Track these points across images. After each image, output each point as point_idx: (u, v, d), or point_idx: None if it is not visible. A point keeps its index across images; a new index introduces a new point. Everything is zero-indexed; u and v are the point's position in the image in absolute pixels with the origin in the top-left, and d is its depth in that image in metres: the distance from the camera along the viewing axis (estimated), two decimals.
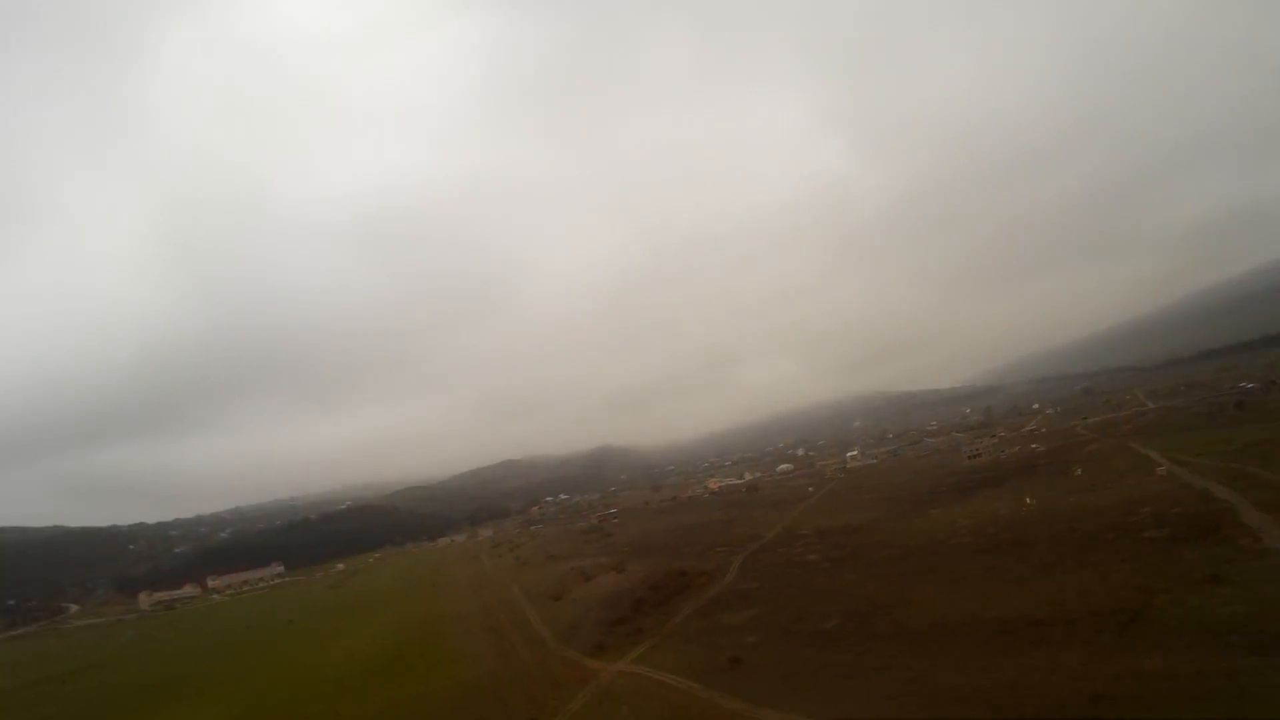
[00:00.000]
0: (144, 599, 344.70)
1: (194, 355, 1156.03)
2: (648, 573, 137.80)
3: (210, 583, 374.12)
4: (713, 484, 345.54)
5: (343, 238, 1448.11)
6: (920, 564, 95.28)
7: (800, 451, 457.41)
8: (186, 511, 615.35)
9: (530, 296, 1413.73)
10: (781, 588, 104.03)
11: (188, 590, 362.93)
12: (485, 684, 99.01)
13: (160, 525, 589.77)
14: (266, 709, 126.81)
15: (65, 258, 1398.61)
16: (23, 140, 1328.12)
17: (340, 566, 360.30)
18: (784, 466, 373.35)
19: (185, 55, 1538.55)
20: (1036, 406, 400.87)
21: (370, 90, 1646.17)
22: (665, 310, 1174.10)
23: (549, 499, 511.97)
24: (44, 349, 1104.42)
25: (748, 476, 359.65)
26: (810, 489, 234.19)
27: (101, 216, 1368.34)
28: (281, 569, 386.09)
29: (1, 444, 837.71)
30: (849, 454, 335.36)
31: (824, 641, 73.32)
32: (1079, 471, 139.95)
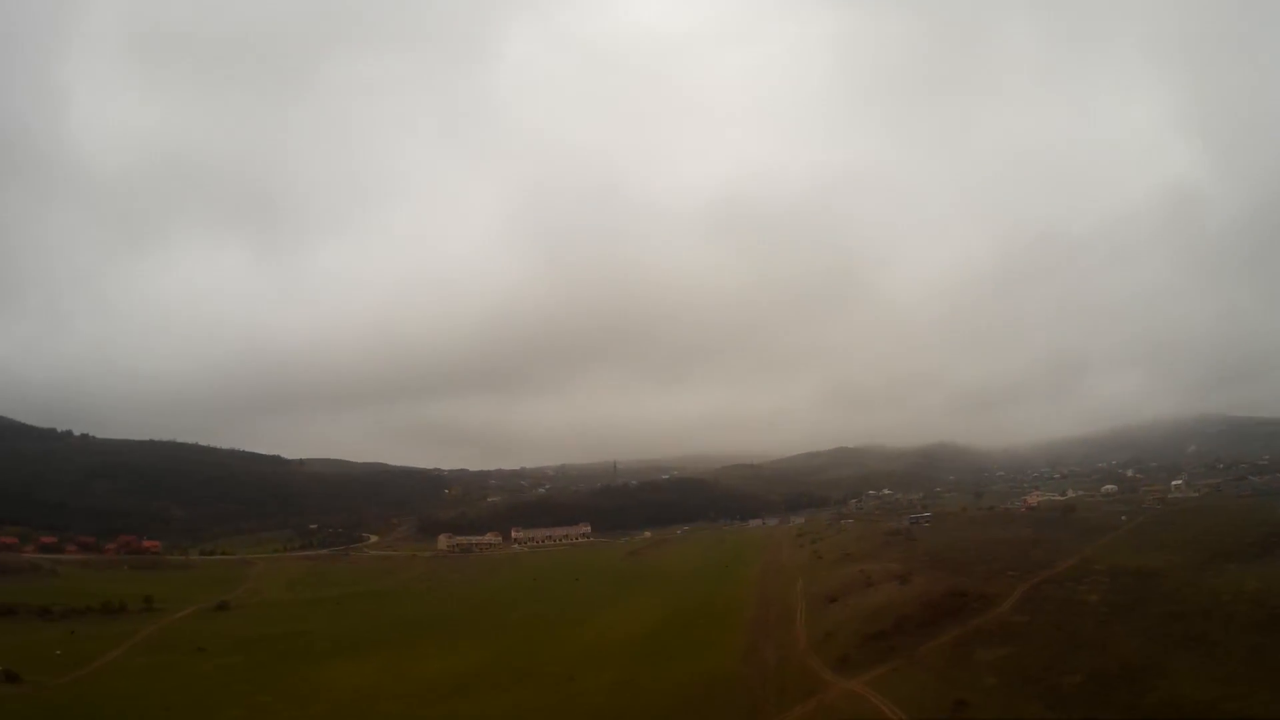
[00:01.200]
0: (443, 540, 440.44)
1: (540, 326, 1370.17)
2: (927, 588, 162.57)
3: (514, 534, 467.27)
4: (1031, 499, 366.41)
5: (693, 225, 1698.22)
6: (1190, 629, 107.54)
7: (1129, 472, 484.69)
8: (511, 463, 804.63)
9: (877, 291, 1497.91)
10: (1048, 628, 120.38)
11: (489, 538, 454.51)
12: (716, 680, 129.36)
13: (481, 474, 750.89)
14: (507, 660, 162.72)
15: (417, 232, 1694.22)
16: (381, 130, 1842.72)
17: (647, 535, 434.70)
18: (1109, 487, 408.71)
19: (528, 51, 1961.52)
20: None
21: (718, 85, 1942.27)
22: (1012, 313, 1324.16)
23: (871, 492, 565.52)
24: (394, 313, 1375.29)
25: (1070, 494, 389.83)
26: (1123, 517, 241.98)
27: (452, 197, 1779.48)
28: (588, 530, 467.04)
29: (343, 392, 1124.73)
30: (1174, 482, 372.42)
31: (1055, 699, 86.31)
32: None
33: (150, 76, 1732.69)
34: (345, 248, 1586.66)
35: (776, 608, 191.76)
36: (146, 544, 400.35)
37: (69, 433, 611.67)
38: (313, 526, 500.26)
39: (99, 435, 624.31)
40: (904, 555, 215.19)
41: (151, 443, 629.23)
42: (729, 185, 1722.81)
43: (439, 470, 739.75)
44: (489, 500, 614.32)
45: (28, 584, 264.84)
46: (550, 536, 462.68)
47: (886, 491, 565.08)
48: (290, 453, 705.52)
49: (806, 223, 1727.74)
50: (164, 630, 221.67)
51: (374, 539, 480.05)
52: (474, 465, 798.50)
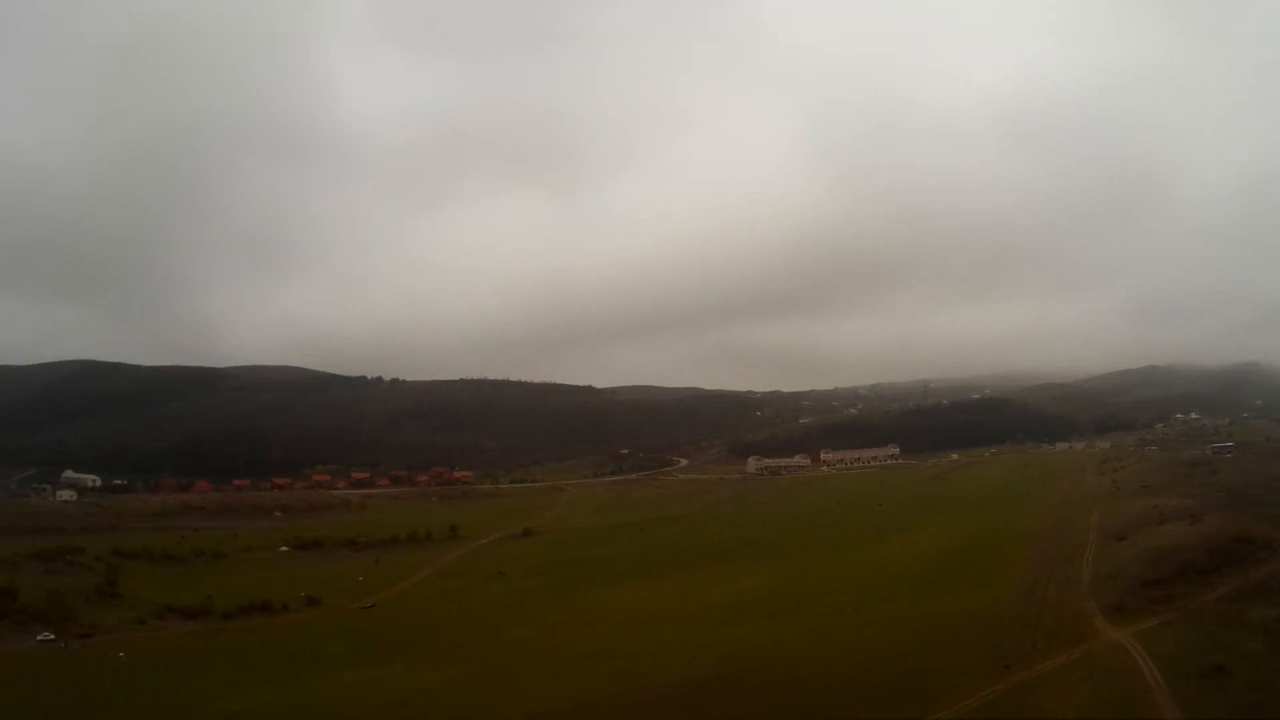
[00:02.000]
0: (751, 463, 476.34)
1: (840, 244, 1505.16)
2: (1215, 530, 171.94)
3: (823, 455, 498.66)
4: None
5: (983, 137, 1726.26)
6: None
7: None
8: (824, 384, 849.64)
9: (1174, 197, 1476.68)
10: None
11: (797, 460, 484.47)
12: (989, 617, 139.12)
13: (794, 395, 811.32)
14: (790, 588, 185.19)
15: (709, 162, 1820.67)
16: (656, 69, 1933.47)
17: (954, 457, 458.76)
18: None
19: None
20: None
21: None
22: None
23: (1178, 416, 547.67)
24: (695, 242, 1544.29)
25: None
26: None
27: (738, 126, 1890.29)
28: (896, 451, 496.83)
29: (652, 321, 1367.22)
30: None
31: None
32: None
33: (414, 53, 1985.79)
34: (639, 183, 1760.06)
35: (1067, 541, 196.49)
36: (457, 475, 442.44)
37: (379, 379, 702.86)
38: (624, 451, 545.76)
39: (408, 379, 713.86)
40: (1201, 489, 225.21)
41: (461, 381, 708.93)
42: (1018, 92, 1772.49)
43: (751, 393, 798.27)
44: (800, 422, 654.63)
45: (337, 518, 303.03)
46: (859, 458, 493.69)
47: (1194, 415, 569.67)
48: (601, 383, 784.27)
49: (1099, 126, 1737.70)
50: (467, 556, 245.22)
51: (684, 462, 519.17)
52: (787, 387, 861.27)
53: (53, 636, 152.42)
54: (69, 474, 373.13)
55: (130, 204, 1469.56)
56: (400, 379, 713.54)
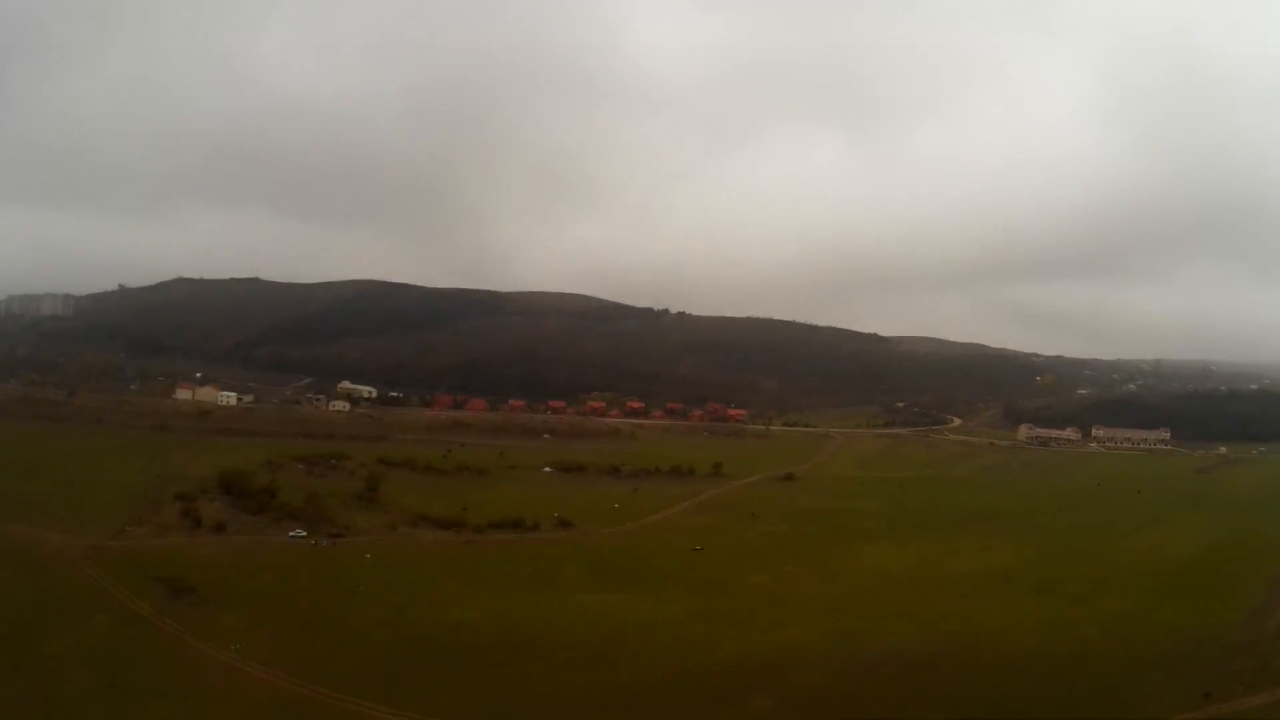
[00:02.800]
0: (1023, 431, 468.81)
1: (1135, 207, 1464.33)
2: None
3: (1094, 431, 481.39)
4: None
5: None
6: None
7: None
8: (1108, 353, 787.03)
9: None
10: None
11: (1068, 433, 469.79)
12: (1212, 635, 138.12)
13: (1076, 362, 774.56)
14: (1034, 569, 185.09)
15: (1002, 111, 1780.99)
16: (959, 9, 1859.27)
17: (1222, 450, 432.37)
18: None
19: None
20: None
21: None
22: None
23: None
24: (992, 196, 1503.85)
25: None
26: None
27: (1035, 74, 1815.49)
28: (1167, 436, 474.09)
29: (944, 272, 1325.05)
30: None
31: None
32: None
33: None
34: (934, 132, 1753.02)
35: None
36: (731, 412, 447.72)
37: (665, 311, 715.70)
38: (899, 404, 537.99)
39: (695, 313, 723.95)
40: None
41: (747, 319, 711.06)
42: None
43: (1034, 356, 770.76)
44: (1077, 393, 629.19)
45: (605, 446, 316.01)
46: (1129, 438, 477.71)
47: None
48: (887, 331, 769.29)
49: None
50: (725, 494, 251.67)
51: (956, 422, 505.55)
52: (1070, 352, 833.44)
53: (305, 533, 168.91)
54: (345, 384, 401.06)
55: (427, 141, 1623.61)
56: (686, 313, 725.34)
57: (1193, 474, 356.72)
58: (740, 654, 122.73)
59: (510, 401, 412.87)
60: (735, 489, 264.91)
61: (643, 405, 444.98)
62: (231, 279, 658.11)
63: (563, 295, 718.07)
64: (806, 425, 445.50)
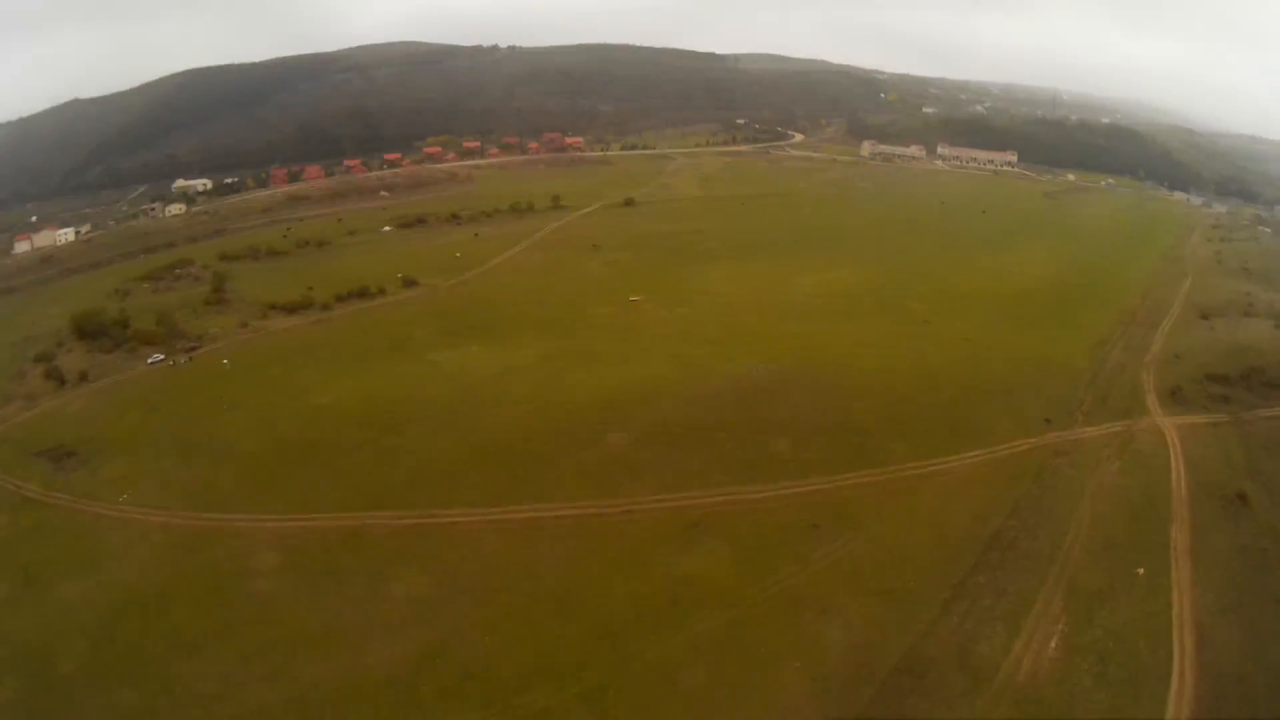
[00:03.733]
0: (866, 147, 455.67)
1: None
2: None
3: (939, 149, 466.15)
4: None
5: None
6: None
7: None
8: (957, 74, 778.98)
9: None
10: None
11: (912, 150, 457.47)
12: (1053, 365, 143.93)
13: (922, 80, 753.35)
14: (877, 288, 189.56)
15: None
16: None
17: (1070, 177, 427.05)
18: None
19: None
20: None
21: None
22: None
23: None
24: None
25: None
26: None
27: None
28: (1014, 159, 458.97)
29: None
30: None
31: None
32: None
33: None
34: None
35: (1152, 303, 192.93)
36: (569, 141, 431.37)
37: (495, 46, 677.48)
38: (740, 121, 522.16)
39: (527, 45, 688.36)
40: None
41: (579, 46, 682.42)
42: None
43: (878, 72, 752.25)
44: (924, 110, 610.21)
45: (443, 193, 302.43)
46: (975, 159, 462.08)
47: None
48: (726, 49, 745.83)
49: None
50: (565, 227, 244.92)
51: (798, 138, 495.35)
52: (917, 70, 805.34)
53: (162, 356, 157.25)
54: (179, 183, 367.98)
55: None
56: (517, 46, 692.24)
57: (1040, 198, 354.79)
58: (592, 393, 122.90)
59: (347, 162, 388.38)
60: (575, 220, 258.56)
61: (479, 144, 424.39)
62: (49, 109, 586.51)
63: (390, 45, 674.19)
64: (646, 148, 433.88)
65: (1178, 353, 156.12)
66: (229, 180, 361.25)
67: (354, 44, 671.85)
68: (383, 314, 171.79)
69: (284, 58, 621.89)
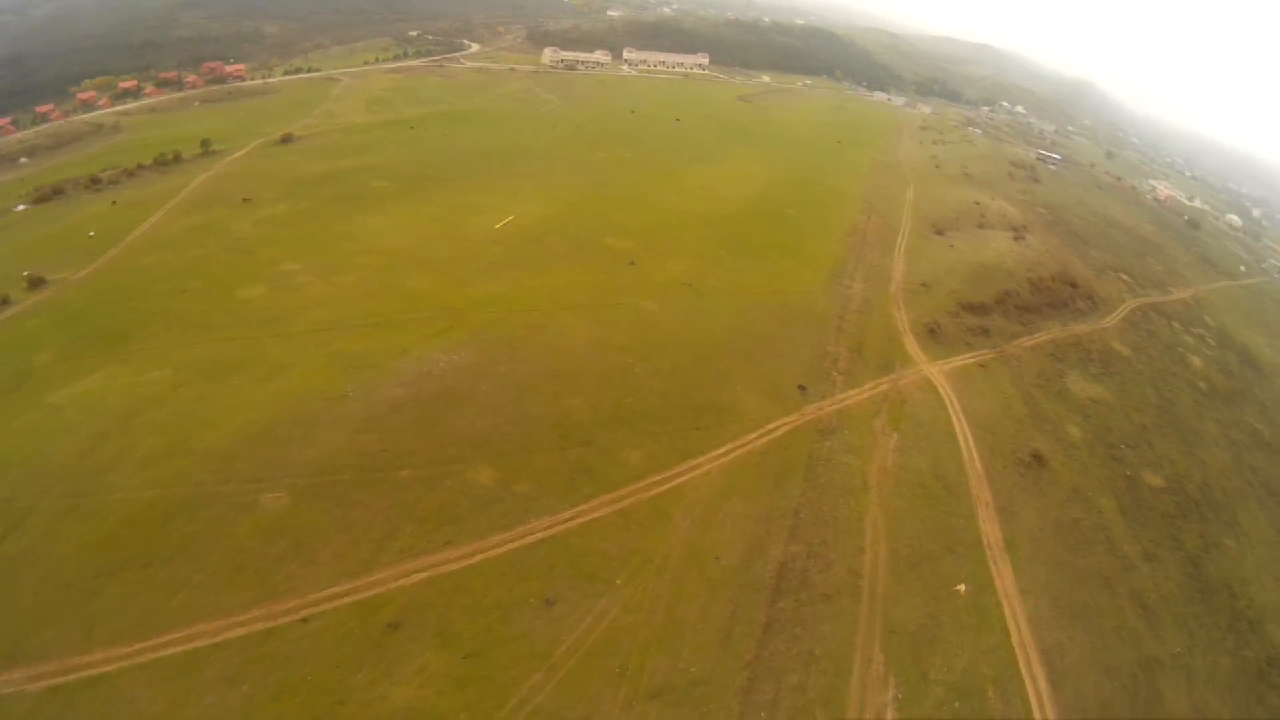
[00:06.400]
0: (547, 54, 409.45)
1: None
2: (1039, 257, 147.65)
3: (625, 54, 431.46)
4: (1161, 190, 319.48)
5: None
6: None
7: (1256, 211, 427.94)
8: None
9: None
10: (1145, 385, 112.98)
11: (597, 55, 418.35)
12: (792, 309, 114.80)
13: None
14: (570, 222, 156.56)
15: None
16: None
17: (766, 79, 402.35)
18: (1231, 217, 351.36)
19: None
20: None
21: None
22: None
23: (1005, 104, 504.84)
24: None
25: (1196, 203, 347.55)
26: (1242, 267, 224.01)
27: None
28: (705, 62, 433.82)
29: None
30: None
31: (1132, 498, 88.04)
32: None
33: None
34: None
35: (880, 216, 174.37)
36: (230, 70, 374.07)
37: None
38: (413, 33, 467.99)
39: None
40: (1024, 197, 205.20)
41: None
42: None
43: None
44: (608, 14, 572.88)
45: (89, 149, 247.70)
46: (664, 62, 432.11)
47: (1020, 109, 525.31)
48: None
49: None
50: (214, 180, 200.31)
51: (475, 48, 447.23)
52: None
53: None
54: None
55: None
56: None
57: (736, 102, 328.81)
58: (237, 430, 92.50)
59: None
60: (227, 168, 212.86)
61: (135, 84, 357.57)
62: None
63: None
64: (311, 69, 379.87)
65: (924, 281, 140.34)
66: None
67: None
68: (5, 334, 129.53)
69: None
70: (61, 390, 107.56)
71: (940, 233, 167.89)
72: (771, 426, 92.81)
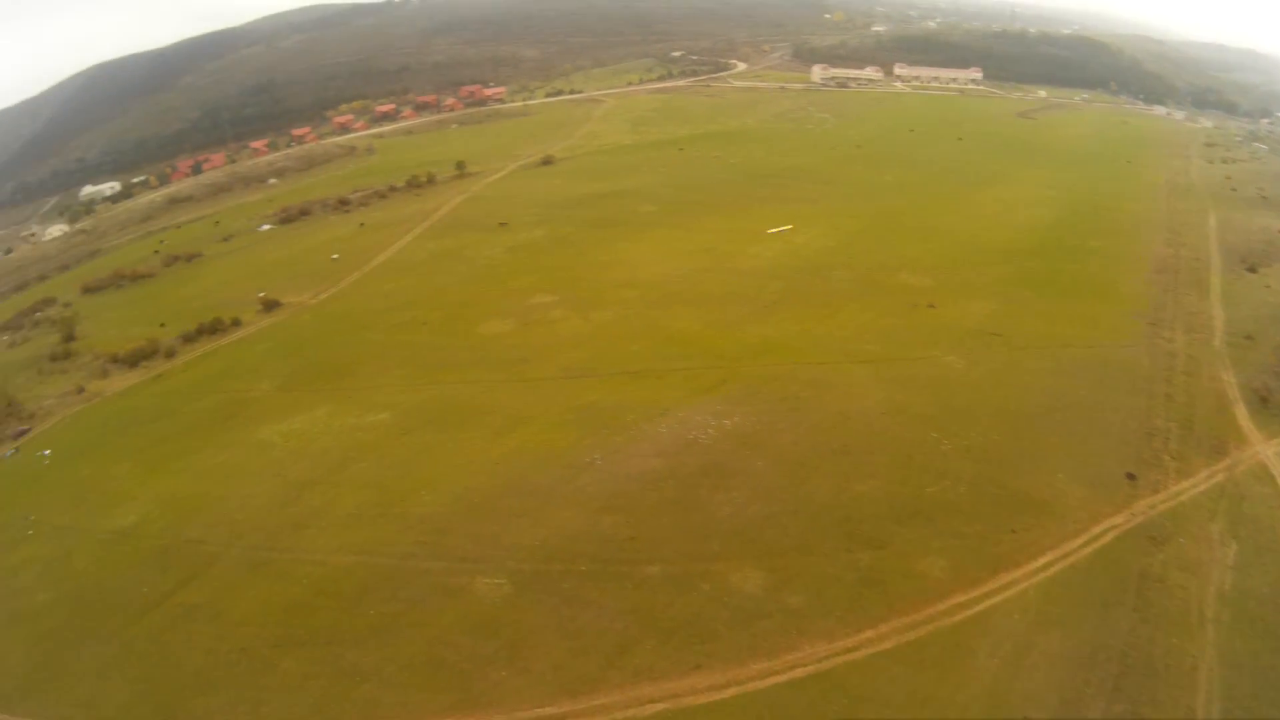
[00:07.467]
0: (817, 72, 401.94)
1: None
2: None
3: (897, 69, 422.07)
4: None
5: None
6: None
7: None
8: None
9: None
10: None
11: (869, 72, 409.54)
12: (1108, 365, 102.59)
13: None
14: (856, 252, 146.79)
15: None
16: None
17: (1041, 94, 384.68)
18: None
19: None
20: None
21: None
22: None
23: None
24: None
25: None
26: None
27: None
28: (979, 76, 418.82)
29: None
30: None
31: None
32: None
33: None
34: None
35: (1186, 248, 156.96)
36: (489, 92, 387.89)
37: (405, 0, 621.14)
38: (676, 54, 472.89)
39: None
40: None
41: None
42: None
43: None
44: (873, 29, 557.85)
45: (340, 170, 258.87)
46: (937, 78, 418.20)
47: None
48: None
49: None
50: (468, 203, 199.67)
51: (741, 67, 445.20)
52: None
53: None
54: (87, 190, 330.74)
55: None
56: None
57: (1015, 118, 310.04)
58: (456, 491, 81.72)
59: (253, 144, 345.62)
60: (482, 190, 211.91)
61: (393, 107, 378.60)
62: None
63: (294, 11, 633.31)
64: (574, 91, 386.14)
65: (1247, 332, 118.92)
66: (137, 179, 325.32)
67: (256, 15, 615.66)
68: (231, 357, 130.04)
69: (187, 40, 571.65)
70: (275, 426, 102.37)
71: (1252, 269, 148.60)
72: (1098, 530, 74.56)
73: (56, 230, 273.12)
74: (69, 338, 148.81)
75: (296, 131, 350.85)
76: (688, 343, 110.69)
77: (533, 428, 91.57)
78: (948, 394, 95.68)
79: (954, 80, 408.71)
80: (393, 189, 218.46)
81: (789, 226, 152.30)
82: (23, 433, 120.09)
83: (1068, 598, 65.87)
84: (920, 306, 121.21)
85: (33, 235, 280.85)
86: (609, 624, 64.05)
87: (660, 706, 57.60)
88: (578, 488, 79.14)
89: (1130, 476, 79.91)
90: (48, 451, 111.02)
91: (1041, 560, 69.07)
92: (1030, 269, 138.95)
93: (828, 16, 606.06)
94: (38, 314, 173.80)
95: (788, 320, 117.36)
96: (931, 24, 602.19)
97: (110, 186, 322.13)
